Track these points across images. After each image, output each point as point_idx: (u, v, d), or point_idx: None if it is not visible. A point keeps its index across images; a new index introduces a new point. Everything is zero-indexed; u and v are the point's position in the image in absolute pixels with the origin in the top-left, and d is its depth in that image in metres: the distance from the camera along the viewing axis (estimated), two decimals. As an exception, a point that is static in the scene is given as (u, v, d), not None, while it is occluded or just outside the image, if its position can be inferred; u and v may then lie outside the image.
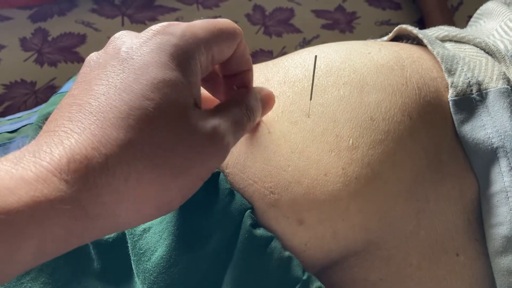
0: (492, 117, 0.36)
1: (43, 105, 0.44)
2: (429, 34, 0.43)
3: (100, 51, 0.26)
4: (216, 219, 0.33)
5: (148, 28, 0.26)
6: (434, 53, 0.39)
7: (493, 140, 0.35)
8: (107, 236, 0.35)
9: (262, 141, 0.35)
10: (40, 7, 0.78)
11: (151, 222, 0.33)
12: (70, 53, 0.74)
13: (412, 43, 0.44)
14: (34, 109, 0.50)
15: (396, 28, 0.44)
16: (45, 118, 0.41)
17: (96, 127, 0.22)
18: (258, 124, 0.35)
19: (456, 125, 0.36)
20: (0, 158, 0.21)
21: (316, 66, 0.37)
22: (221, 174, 0.34)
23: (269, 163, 0.34)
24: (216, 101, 0.33)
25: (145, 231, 0.33)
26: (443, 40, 0.43)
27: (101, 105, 0.23)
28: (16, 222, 0.19)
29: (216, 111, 0.27)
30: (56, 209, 0.20)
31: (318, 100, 0.35)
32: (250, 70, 0.32)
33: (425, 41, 0.40)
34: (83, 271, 0.35)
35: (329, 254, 0.34)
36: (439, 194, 0.35)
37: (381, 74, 0.36)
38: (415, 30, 0.42)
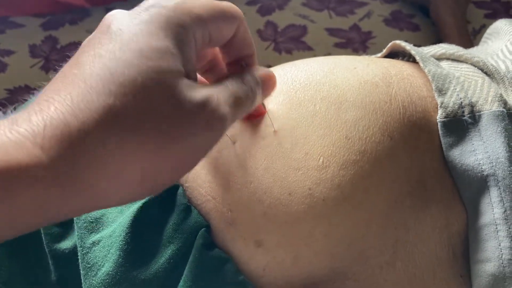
0: (484, 142, 0.33)
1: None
2: (425, 51, 0.41)
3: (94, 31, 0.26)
4: (167, 237, 0.31)
5: (141, 3, 0.25)
6: (426, 70, 0.36)
7: (483, 167, 0.32)
8: (64, 247, 0.33)
9: (225, 155, 0.32)
10: (53, 16, 0.78)
11: (101, 234, 0.31)
12: (76, 61, 0.74)
13: (408, 60, 0.41)
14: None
15: (390, 44, 0.42)
16: None
17: (76, 94, 0.21)
18: (261, 115, 0.33)
19: (444, 149, 0.33)
20: None
21: (296, 80, 0.35)
22: (180, 188, 0.32)
23: (231, 178, 0.31)
24: None
25: (94, 244, 0.31)
26: (440, 58, 0.40)
27: (84, 73, 0.22)
28: None
29: (212, 83, 0.26)
30: (29, 175, 0.19)
31: (291, 115, 0.33)
32: (253, 55, 0.30)
33: (417, 58, 0.37)
34: (40, 283, 0.34)
35: (290, 282, 0.31)
36: (422, 223, 0.32)
37: (363, 90, 0.34)
38: (408, 46, 0.39)
